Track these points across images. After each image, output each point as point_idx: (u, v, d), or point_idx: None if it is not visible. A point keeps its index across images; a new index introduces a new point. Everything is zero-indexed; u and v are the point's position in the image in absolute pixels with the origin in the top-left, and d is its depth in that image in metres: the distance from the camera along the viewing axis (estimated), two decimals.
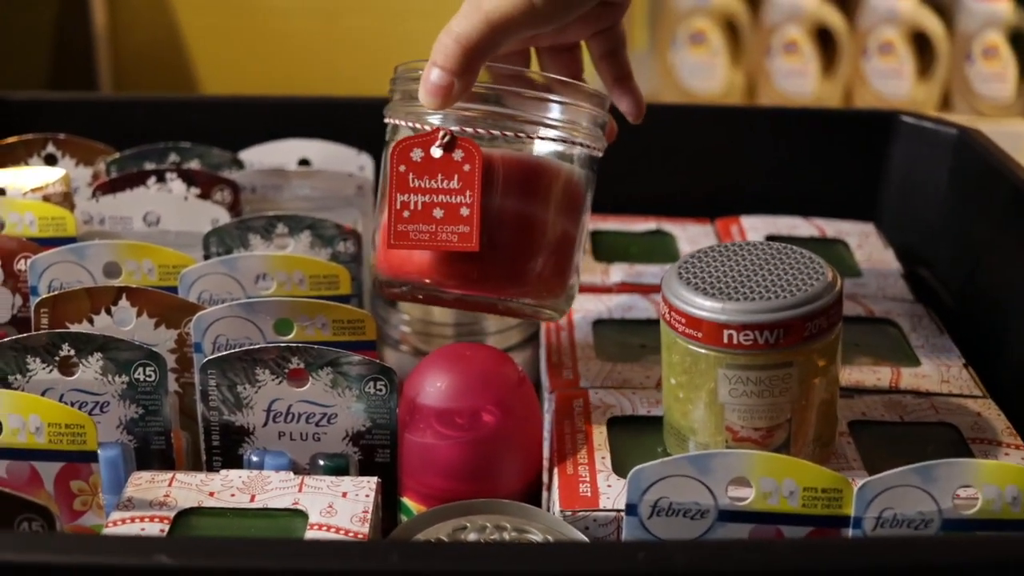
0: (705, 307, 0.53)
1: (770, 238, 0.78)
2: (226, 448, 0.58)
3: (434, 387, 0.57)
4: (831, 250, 0.78)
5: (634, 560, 0.39)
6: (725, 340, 0.53)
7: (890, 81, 1.63)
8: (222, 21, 1.91)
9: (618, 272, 0.74)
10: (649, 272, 0.74)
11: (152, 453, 0.57)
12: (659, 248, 0.78)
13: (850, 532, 0.48)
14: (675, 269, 0.56)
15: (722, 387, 0.54)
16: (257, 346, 0.56)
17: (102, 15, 1.87)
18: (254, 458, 0.57)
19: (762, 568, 0.40)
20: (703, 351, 0.53)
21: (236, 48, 1.92)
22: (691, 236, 0.79)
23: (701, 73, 1.65)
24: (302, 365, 0.56)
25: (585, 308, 0.70)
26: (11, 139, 0.76)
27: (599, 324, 0.69)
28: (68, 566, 0.40)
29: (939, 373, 0.65)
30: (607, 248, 0.77)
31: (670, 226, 0.80)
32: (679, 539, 0.46)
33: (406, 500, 0.59)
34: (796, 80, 1.64)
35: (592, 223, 0.80)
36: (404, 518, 0.59)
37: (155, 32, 1.91)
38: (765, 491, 0.48)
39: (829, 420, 0.56)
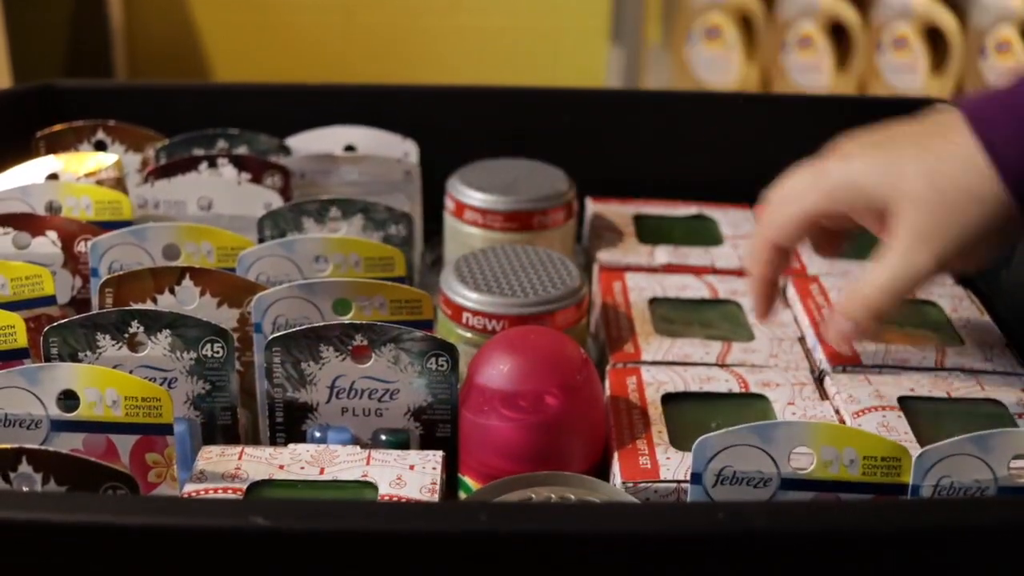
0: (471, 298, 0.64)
1: None
2: (290, 425, 0.59)
3: (498, 370, 0.58)
4: (869, 235, 0.79)
5: (715, 519, 0.41)
6: (463, 321, 0.65)
7: (904, 75, 1.64)
8: (237, 17, 1.92)
9: (663, 253, 0.75)
10: (694, 254, 0.75)
11: (217, 428, 0.58)
12: (701, 231, 0.79)
13: None
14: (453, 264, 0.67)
15: None
16: (321, 324, 0.57)
17: (118, 11, 1.88)
18: (317, 434, 0.58)
19: (841, 527, 0.41)
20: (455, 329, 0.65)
21: (251, 44, 1.93)
22: (732, 221, 0.80)
23: (716, 67, 1.67)
24: (365, 342, 0.57)
25: (639, 287, 0.71)
26: (61, 126, 0.77)
27: (655, 302, 0.70)
28: (165, 528, 0.41)
29: (982, 352, 0.66)
30: (651, 231, 0.79)
31: (711, 211, 0.81)
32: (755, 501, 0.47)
33: (465, 478, 0.60)
34: (810, 75, 1.65)
35: (635, 207, 0.82)
36: (463, 495, 0.60)
37: (171, 28, 1.92)
38: (826, 460, 0.49)
39: None
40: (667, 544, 0.41)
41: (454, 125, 0.85)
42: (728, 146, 0.85)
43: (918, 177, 0.55)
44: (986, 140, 0.54)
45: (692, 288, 0.72)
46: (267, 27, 1.93)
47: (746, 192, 0.83)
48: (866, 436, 0.50)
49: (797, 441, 0.49)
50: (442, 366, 0.57)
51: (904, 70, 1.64)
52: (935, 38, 1.64)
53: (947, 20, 1.62)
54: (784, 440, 0.49)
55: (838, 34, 1.65)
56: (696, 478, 0.49)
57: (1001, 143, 0.54)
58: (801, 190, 0.60)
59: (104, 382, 0.52)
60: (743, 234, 0.79)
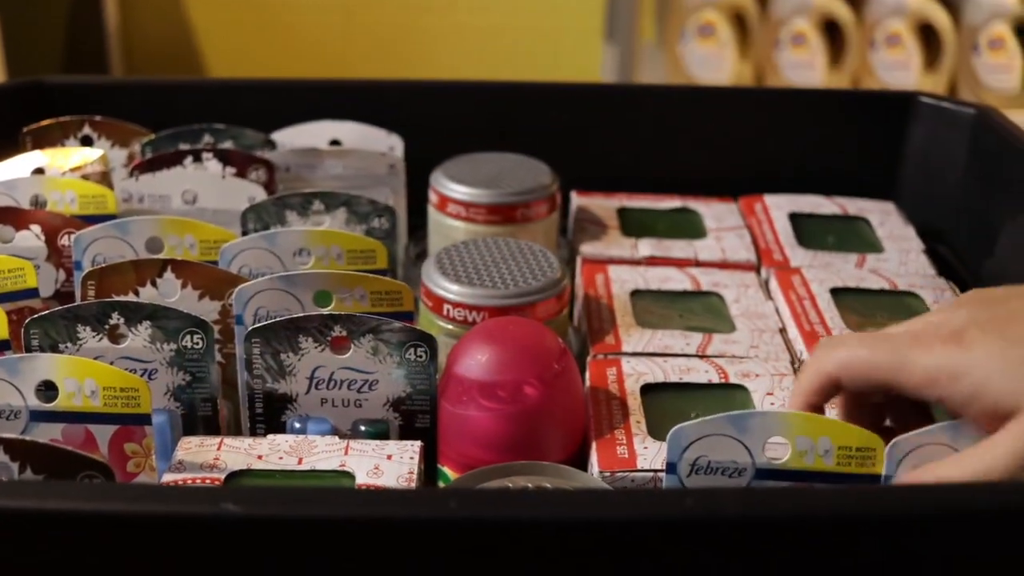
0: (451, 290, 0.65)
1: (792, 216, 0.80)
2: (269, 415, 0.59)
3: (476, 360, 0.59)
4: (853, 227, 0.80)
5: (684, 505, 0.41)
6: (444, 313, 0.64)
7: (897, 73, 1.65)
8: (235, 16, 1.92)
9: (646, 246, 0.76)
10: (677, 246, 0.76)
11: (198, 420, 0.58)
12: (685, 225, 0.79)
13: None
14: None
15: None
16: (300, 315, 0.57)
17: (114, 11, 1.88)
18: (296, 425, 0.58)
19: (809, 512, 0.41)
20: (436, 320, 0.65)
21: (249, 44, 1.93)
22: (716, 214, 0.80)
23: (710, 65, 1.67)
24: (344, 333, 0.57)
25: (622, 279, 0.72)
26: (48, 121, 0.77)
27: (637, 294, 0.70)
28: (137, 515, 0.41)
29: None
30: (635, 224, 0.79)
31: (695, 204, 0.82)
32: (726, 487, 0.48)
33: (444, 468, 0.60)
34: (804, 72, 1.66)
35: (619, 201, 0.82)
36: (443, 485, 0.60)
37: (167, 28, 1.93)
38: (801, 450, 0.50)
39: None
40: (635, 530, 0.41)
41: (441, 120, 0.85)
42: (714, 140, 0.85)
43: None
44: None
45: (674, 280, 0.72)
46: (265, 26, 1.93)
47: (732, 186, 0.83)
48: (841, 426, 0.50)
49: (772, 431, 0.49)
50: (420, 357, 0.57)
51: (897, 67, 1.64)
52: (928, 35, 1.64)
53: (940, 17, 1.62)
54: (759, 430, 0.49)
55: (831, 31, 1.65)
56: (671, 467, 0.49)
57: None
58: (890, 353, 0.49)
59: (83, 372, 0.53)
60: (727, 227, 0.79)
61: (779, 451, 0.50)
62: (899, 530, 0.42)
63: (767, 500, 0.42)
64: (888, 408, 0.54)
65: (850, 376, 0.50)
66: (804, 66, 1.65)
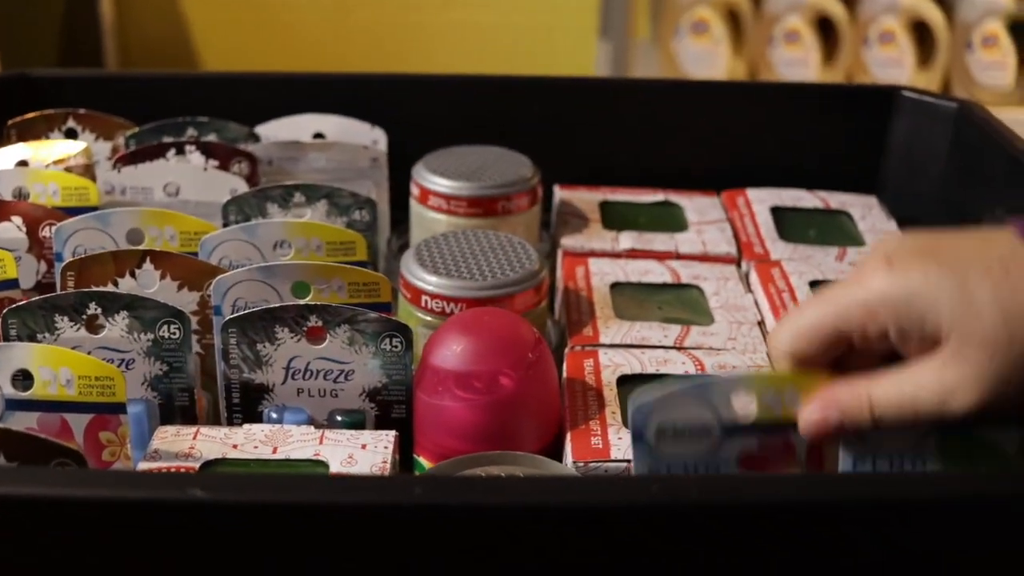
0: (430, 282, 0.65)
1: (775, 210, 0.80)
2: (246, 405, 0.59)
3: (452, 350, 0.59)
4: (835, 221, 0.80)
5: (649, 492, 0.41)
6: (422, 304, 0.65)
7: (890, 70, 1.65)
8: (232, 14, 1.93)
9: (627, 239, 0.76)
10: (658, 239, 0.76)
11: (176, 410, 0.59)
12: (666, 218, 0.80)
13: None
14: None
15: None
16: (276, 305, 0.58)
17: (110, 8, 1.89)
18: (273, 415, 0.58)
19: (770, 500, 0.42)
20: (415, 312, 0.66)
21: (246, 41, 1.93)
22: (698, 207, 0.81)
23: (703, 62, 1.67)
24: (320, 323, 0.58)
25: (602, 271, 0.72)
26: (32, 114, 0.77)
27: (617, 287, 0.71)
28: (106, 500, 0.41)
29: None
30: (616, 217, 0.79)
31: (677, 198, 0.82)
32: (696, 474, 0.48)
33: (420, 458, 0.61)
34: (797, 69, 1.66)
35: (601, 194, 0.82)
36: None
37: (163, 25, 1.93)
38: (767, 404, 0.49)
39: None
40: (600, 516, 0.42)
41: (425, 114, 0.85)
42: (698, 134, 0.86)
43: (992, 308, 0.45)
44: None
45: (654, 273, 0.72)
46: (261, 24, 1.93)
47: (715, 179, 0.84)
48: (799, 376, 0.49)
49: (734, 388, 0.49)
50: (396, 347, 0.58)
51: (891, 64, 1.64)
52: (922, 32, 1.65)
53: (934, 14, 1.62)
54: (720, 393, 0.49)
55: (825, 28, 1.66)
56: (638, 437, 0.49)
57: None
58: (833, 298, 0.49)
59: (58, 361, 0.53)
60: (708, 220, 0.79)
61: (745, 407, 0.49)
62: (852, 517, 0.43)
63: (729, 486, 0.42)
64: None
65: (807, 344, 0.49)
66: (798, 63, 1.65)
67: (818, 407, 0.48)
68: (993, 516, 0.43)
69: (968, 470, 0.49)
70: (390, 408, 0.59)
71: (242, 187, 0.71)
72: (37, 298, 0.57)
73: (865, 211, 0.81)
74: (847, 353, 0.50)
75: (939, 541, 0.43)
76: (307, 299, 0.61)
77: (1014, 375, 0.45)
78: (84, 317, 0.57)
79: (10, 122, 0.77)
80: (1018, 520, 0.43)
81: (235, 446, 0.54)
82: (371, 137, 0.80)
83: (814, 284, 0.70)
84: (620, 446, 0.56)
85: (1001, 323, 0.45)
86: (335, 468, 0.52)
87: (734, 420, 0.49)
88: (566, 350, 0.65)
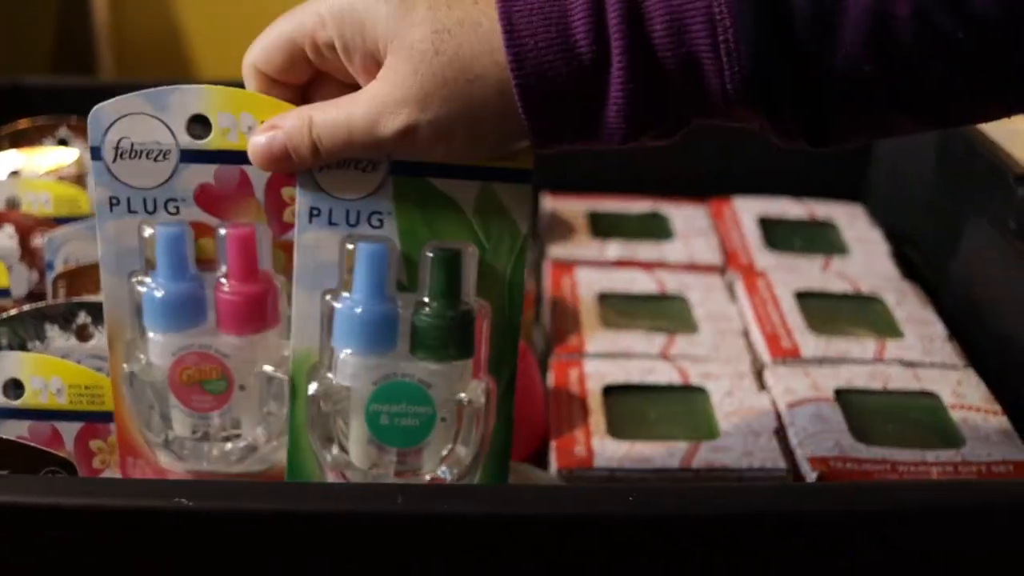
0: None
1: (762, 219, 0.81)
2: None
3: None
4: (821, 230, 0.81)
5: (626, 502, 0.42)
6: None
7: None
8: (224, 15, 1.93)
9: (614, 248, 0.77)
10: (644, 249, 0.77)
11: None
12: (654, 227, 0.80)
13: None
14: None
15: None
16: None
17: (103, 8, 1.89)
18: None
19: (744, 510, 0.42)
20: None
21: (238, 42, 1.93)
22: (685, 216, 0.81)
23: None
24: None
25: (589, 281, 0.72)
26: (25, 123, 0.78)
27: (603, 296, 0.71)
28: (93, 508, 0.42)
29: (922, 345, 0.67)
30: (603, 226, 0.80)
31: (665, 207, 0.83)
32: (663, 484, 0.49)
33: None
34: None
35: (590, 203, 0.83)
36: None
37: (157, 26, 1.94)
38: (224, 127, 0.47)
39: None
40: (576, 525, 0.42)
41: None
42: (686, 141, 0.86)
43: (424, 29, 0.43)
44: (512, 32, 0.42)
45: (640, 283, 0.73)
46: (258, 30, 1.92)
47: (703, 187, 0.84)
48: (261, 98, 0.47)
49: (192, 108, 0.47)
50: None
51: None
52: None
53: None
54: (177, 107, 0.47)
55: None
56: (95, 152, 0.47)
57: (530, 50, 0.42)
58: (296, 11, 0.48)
59: (49, 371, 0.54)
60: (695, 230, 0.80)
61: (202, 130, 0.47)
62: (828, 526, 0.43)
63: (703, 496, 0.43)
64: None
65: (267, 55, 0.48)
66: None
67: (264, 129, 0.46)
68: (961, 525, 0.43)
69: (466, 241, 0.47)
70: None
71: None
72: (27, 308, 0.58)
73: (851, 220, 0.82)
74: (317, 84, 0.48)
75: (923, 552, 0.44)
76: None
77: (444, 93, 0.43)
78: (74, 326, 0.58)
79: (3, 131, 0.77)
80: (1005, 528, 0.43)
81: None
82: None
83: (799, 295, 0.71)
84: (603, 455, 0.57)
85: (429, 34, 0.43)
86: None
87: (191, 143, 0.47)
88: (551, 359, 0.65)
